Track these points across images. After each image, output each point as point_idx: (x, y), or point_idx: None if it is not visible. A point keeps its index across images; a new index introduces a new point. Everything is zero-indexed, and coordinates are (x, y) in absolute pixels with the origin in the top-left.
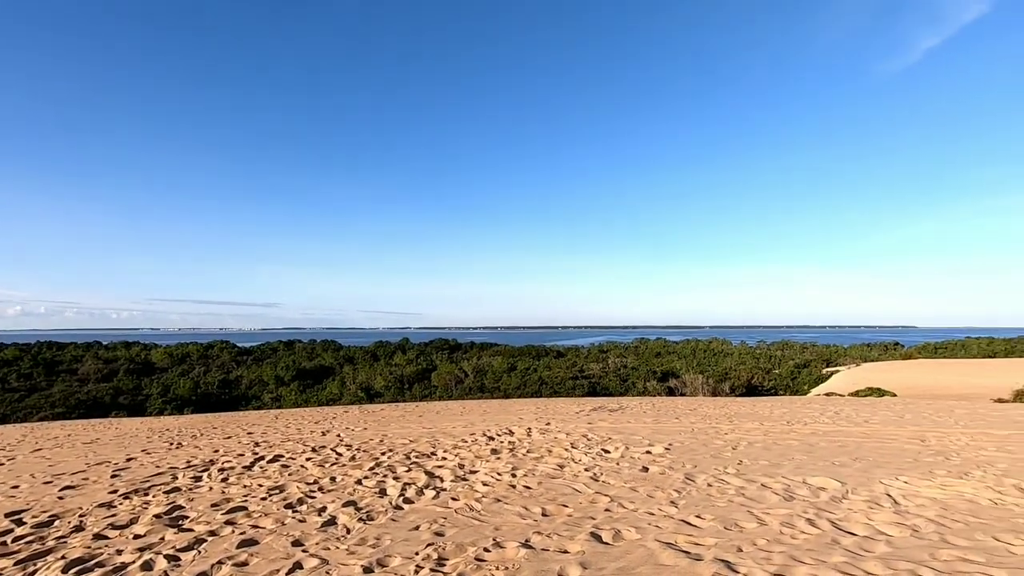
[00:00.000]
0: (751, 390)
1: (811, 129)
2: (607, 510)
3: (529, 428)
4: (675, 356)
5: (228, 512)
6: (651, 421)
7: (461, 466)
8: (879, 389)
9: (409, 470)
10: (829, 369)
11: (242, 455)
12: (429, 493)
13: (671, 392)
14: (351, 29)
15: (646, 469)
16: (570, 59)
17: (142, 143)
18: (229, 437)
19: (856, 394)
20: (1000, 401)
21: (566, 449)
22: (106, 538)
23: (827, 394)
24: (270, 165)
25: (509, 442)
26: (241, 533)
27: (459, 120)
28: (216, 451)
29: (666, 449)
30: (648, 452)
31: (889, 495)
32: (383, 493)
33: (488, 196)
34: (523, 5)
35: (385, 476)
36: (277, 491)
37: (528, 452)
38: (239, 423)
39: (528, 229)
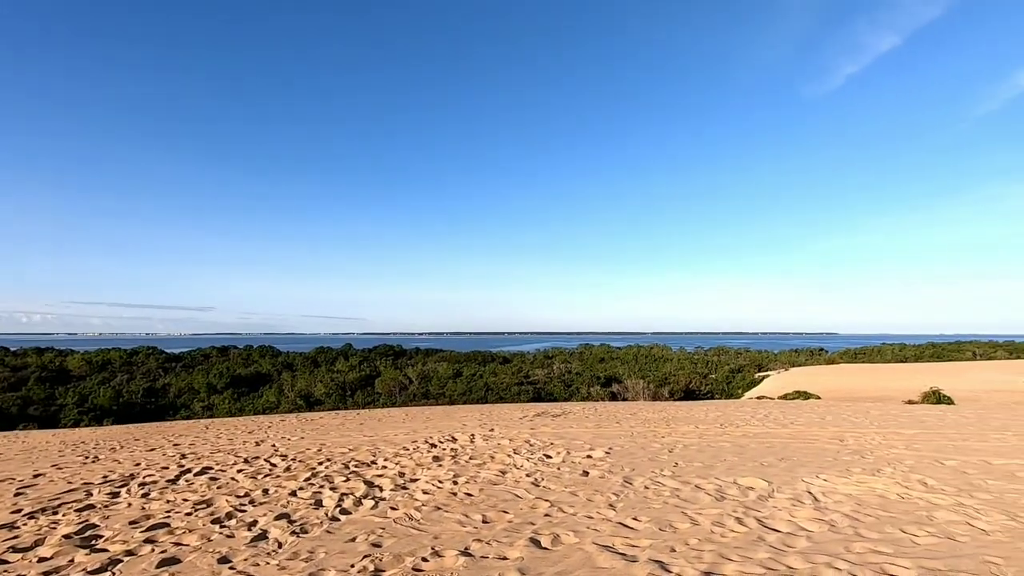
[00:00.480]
0: (689, 394)
1: (743, 147)
2: (547, 515)
3: (472, 434)
4: (618, 362)
5: (148, 530)
6: (593, 426)
7: (401, 474)
8: (805, 392)
9: (347, 480)
10: (761, 374)
11: (166, 468)
12: (368, 503)
13: (614, 397)
14: (284, 30)
15: (586, 473)
16: (525, 60)
17: (77, 134)
18: (153, 449)
19: (785, 397)
20: (910, 403)
21: (508, 455)
22: (6, 563)
23: (759, 397)
24: (205, 162)
25: (452, 449)
26: (162, 552)
27: (402, 123)
28: (137, 464)
29: (606, 453)
30: (589, 456)
31: (810, 492)
32: (319, 504)
33: (434, 200)
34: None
35: (322, 487)
36: (204, 505)
37: (471, 459)
38: (165, 434)
39: (476, 234)
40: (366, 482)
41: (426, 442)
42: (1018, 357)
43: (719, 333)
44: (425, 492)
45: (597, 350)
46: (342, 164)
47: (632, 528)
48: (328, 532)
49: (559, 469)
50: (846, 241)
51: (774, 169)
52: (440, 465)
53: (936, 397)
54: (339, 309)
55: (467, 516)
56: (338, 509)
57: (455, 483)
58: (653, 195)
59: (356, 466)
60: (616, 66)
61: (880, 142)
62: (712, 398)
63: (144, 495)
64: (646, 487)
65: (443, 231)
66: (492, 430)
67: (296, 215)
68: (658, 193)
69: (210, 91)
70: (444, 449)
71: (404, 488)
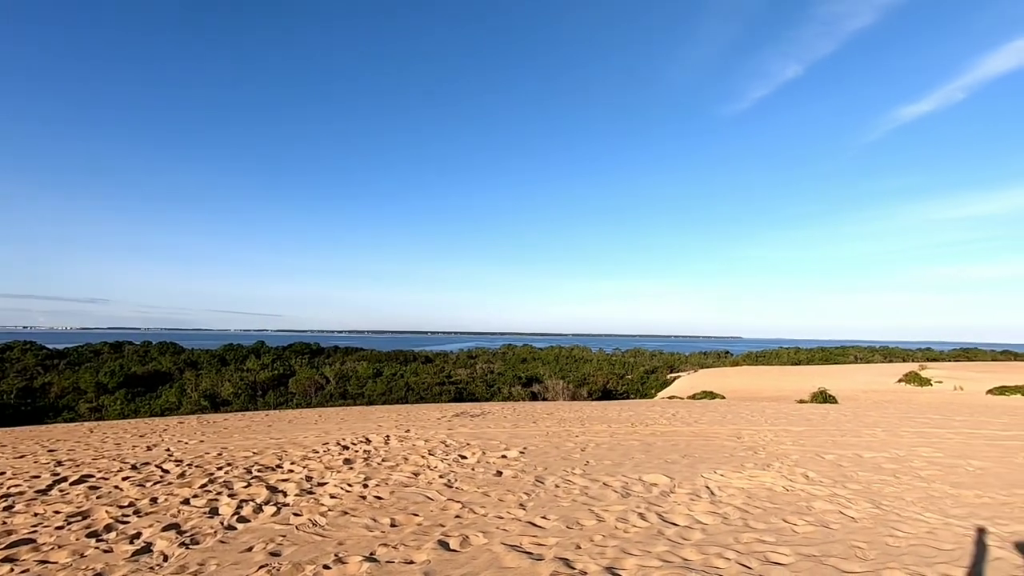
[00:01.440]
0: (607, 394)
1: (660, 162)
2: (458, 516)
3: (388, 436)
4: (540, 362)
5: (8, 547)
6: (510, 426)
7: (309, 478)
8: (711, 392)
9: (248, 485)
10: (673, 375)
11: (37, 477)
12: (269, 510)
13: (535, 397)
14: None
15: (500, 473)
16: (464, 62)
17: None
18: (22, 456)
19: (693, 397)
20: (801, 402)
21: (423, 456)
22: None
23: (670, 397)
24: (103, 141)
25: (365, 451)
26: (23, 571)
27: (324, 119)
28: (2, 473)
29: (520, 453)
30: (504, 456)
31: (708, 487)
32: (214, 513)
33: (355, 197)
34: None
35: (219, 494)
36: (79, 517)
37: (384, 461)
38: (39, 439)
39: (400, 233)
40: (269, 487)
41: (338, 444)
42: (891, 361)
43: (636, 336)
44: (333, 496)
45: (520, 350)
46: (251, 153)
47: (540, 527)
48: (222, 542)
49: (473, 470)
50: (750, 252)
51: (686, 181)
52: (351, 468)
53: (822, 397)
54: (252, 305)
55: (375, 520)
56: (235, 517)
57: (365, 486)
58: (576, 204)
59: (260, 471)
60: (555, 80)
61: (783, 162)
62: (628, 398)
63: (6, 508)
64: (557, 486)
65: (367, 230)
66: (408, 431)
67: (202, 206)
68: (581, 202)
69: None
70: (357, 451)
71: (310, 493)
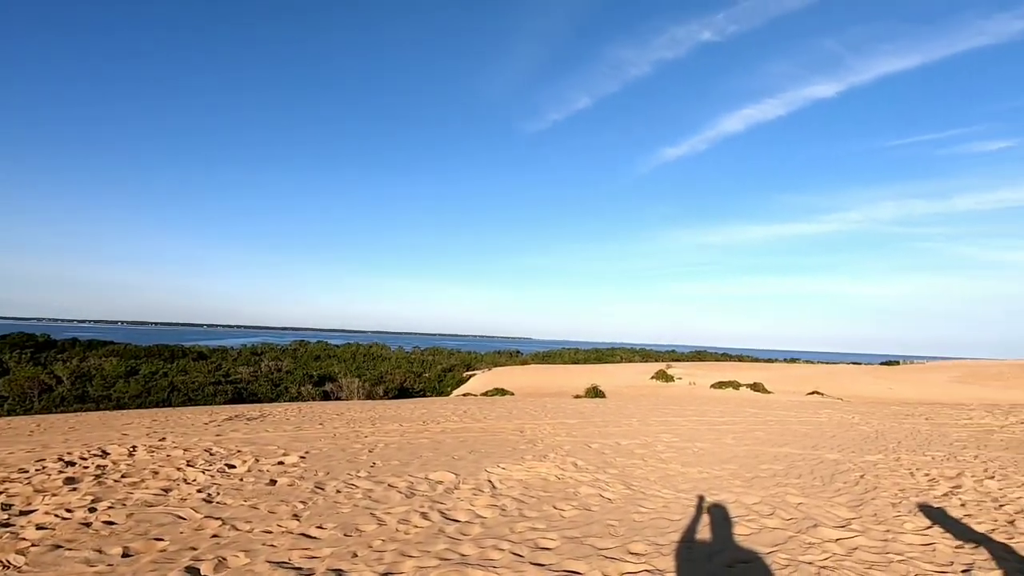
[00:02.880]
0: (404, 392)
1: (466, 169)
2: (215, 536)
3: (134, 446)
4: (335, 360)
5: None
6: (292, 428)
7: (6, 507)
8: (502, 390)
9: None
10: (469, 373)
11: None
12: None
13: (327, 396)
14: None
15: (274, 482)
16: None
17: None
18: None
19: (486, 394)
20: (577, 397)
21: (179, 468)
22: None
23: (465, 394)
24: None
25: (99, 466)
26: None
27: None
28: None
29: (301, 458)
30: (281, 463)
31: (490, 481)
32: None
33: (108, 165)
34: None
35: None
36: None
37: (124, 477)
38: None
39: (168, 207)
40: None
41: (60, 460)
42: (647, 361)
43: (437, 334)
44: (41, 527)
45: (313, 347)
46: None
47: (315, 538)
48: None
49: (242, 480)
50: (540, 261)
51: (489, 191)
52: (75, 489)
53: (594, 392)
54: None
55: (102, 551)
56: None
57: (92, 510)
58: (384, 203)
59: None
60: (369, 81)
61: (572, 181)
62: (424, 396)
63: None
64: (338, 491)
65: (122, 200)
66: (164, 439)
67: None
68: (389, 202)
69: None
70: (87, 467)
71: (7, 526)
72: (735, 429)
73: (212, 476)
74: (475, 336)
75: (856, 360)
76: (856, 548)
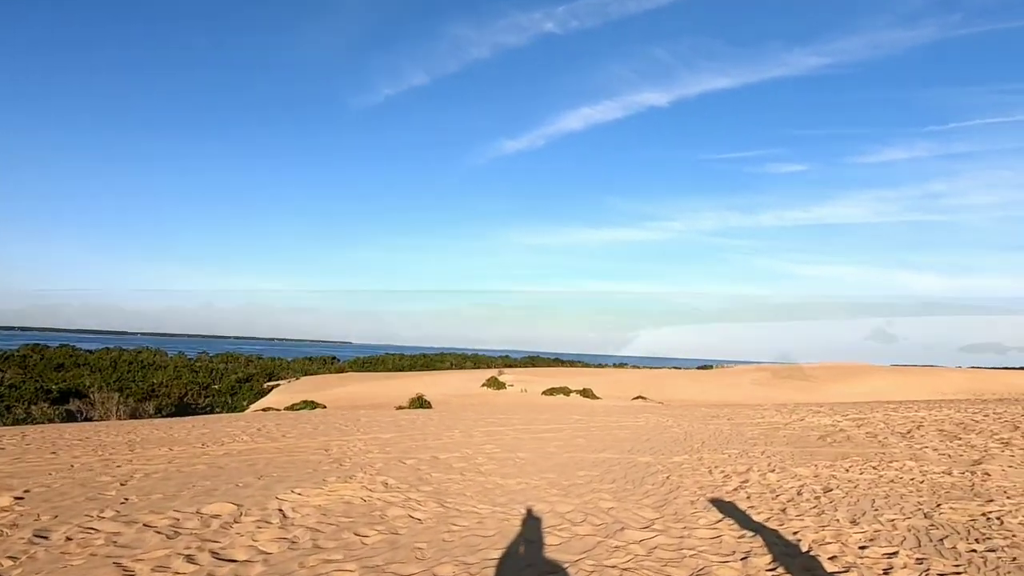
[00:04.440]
0: (184, 409)
1: (287, 151)
2: None
3: None
4: (87, 369)
5: None
6: (9, 461)
7: None
8: (312, 402)
9: None
10: (271, 383)
11: None
12: None
13: (72, 417)
14: None
15: None
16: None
17: None
18: None
19: (292, 408)
20: (399, 408)
21: None
22: None
23: (264, 409)
24: None
25: None
26: None
27: None
28: None
29: (16, 499)
30: None
31: (281, 510)
32: None
33: None
34: None
35: None
36: None
37: None
38: None
39: None
40: None
41: None
42: (479, 367)
43: (231, 337)
44: None
45: (54, 352)
46: None
47: None
48: None
49: None
50: (368, 255)
51: (311, 177)
52: None
53: (419, 402)
54: None
55: None
56: None
57: None
58: (184, 187)
59: None
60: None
61: (407, 165)
62: (212, 412)
63: None
64: (69, 538)
65: None
66: None
67: None
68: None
69: None
70: None
71: None
72: (560, 436)
73: None
74: (282, 340)
75: (678, 365)
76: (656, 547)
